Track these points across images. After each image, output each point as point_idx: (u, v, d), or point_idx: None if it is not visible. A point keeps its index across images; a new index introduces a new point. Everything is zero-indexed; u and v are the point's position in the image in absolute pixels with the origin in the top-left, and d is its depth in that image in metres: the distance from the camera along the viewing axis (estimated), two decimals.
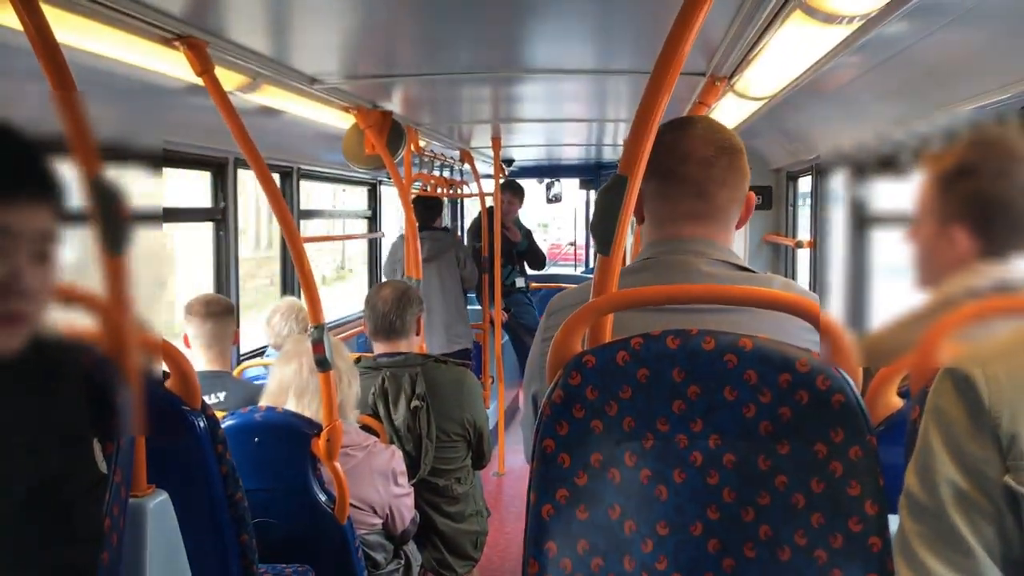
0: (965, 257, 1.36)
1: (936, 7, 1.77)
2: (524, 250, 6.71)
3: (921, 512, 1.02)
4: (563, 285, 6.89)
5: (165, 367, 1.83)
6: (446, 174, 5.98)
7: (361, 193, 6.08)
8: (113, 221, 1.28)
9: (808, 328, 1.31)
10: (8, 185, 1.07)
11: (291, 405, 2.50)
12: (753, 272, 1.51)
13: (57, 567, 1.15)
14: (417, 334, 3.12)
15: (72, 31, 1.89)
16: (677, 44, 1.30)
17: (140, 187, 1.38)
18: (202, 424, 1.81)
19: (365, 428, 2.80)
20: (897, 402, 1.52)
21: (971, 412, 0.98)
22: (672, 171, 1.34)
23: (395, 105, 3.67)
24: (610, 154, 7.08)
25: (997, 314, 1.25)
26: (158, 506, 1.69)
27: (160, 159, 1.47)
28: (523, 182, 7.00)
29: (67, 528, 1.15)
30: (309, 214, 5.10)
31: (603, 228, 1.35)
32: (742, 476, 1.27)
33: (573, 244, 11.45)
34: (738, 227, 1.56)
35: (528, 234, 6.86)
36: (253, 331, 4.14)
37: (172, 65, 2.25)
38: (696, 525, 1.27)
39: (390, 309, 3.05)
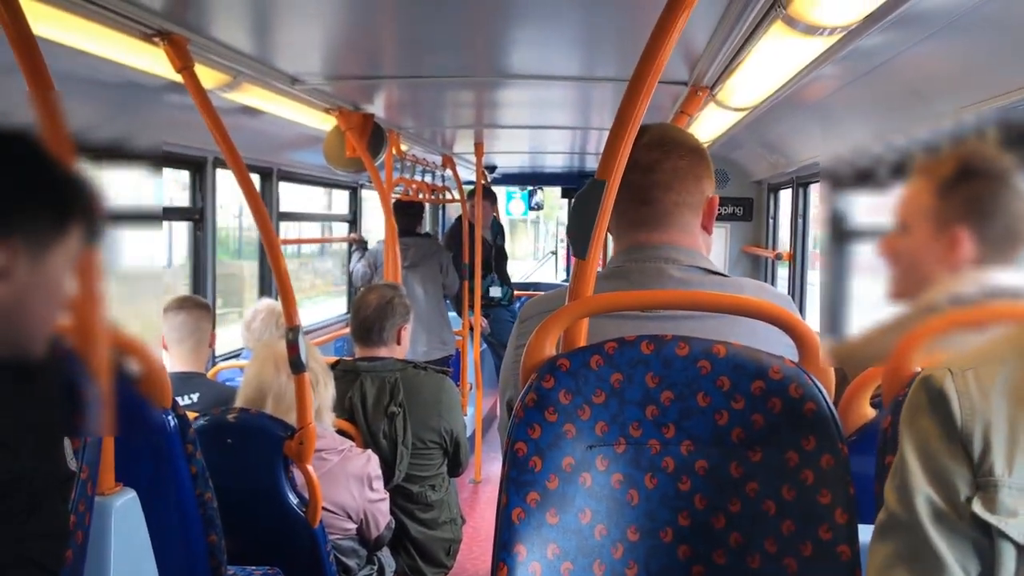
0: (965, 258, 1.35)
1: (915, 21, 1.79)
2: (502, 245, 6.83)
3: (897, 527, 1.00)
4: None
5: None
6: (428, 179, 5.96)
7: (342, 197, 6.05)
8: (86, 214, 1.27)
9: (782, 332, 1.32)
10: (58, 211, 1.16)
11: (269, 410, 2.48)
12: (725, 276, 1.51)
13: (22, 563, 1.13)
14: (399, 343, 3.11)
15: (50, 25, 1.87)
16: (656, 51, 1.31)
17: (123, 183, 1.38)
18: (172, 423, 1.79)
19: (341, 432, 2.78)
20: (869, 412, 1.53)
21: (943, 425, 0.97)
22: (622, 181, 1.35)
23: (377, 108, 3.66)
24: (593, 163, 7.07)
25: (970, 324, 1.25)
26: (125, 504, 1.67)
27: (142, 156, 1.47)
28: (505, 189, 7.05)
29: (35, 525, 1.14)
30: (288, 216, 5.07)
31: (579, 232, 1.35)
32: (714, 483, 1.27)
33: (555, 253, 11.45)
34: (707, 230, 1.56)
35: (501, 230, 6.99)
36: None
37: (152, 61, 2.23)
38: (667, 531, 1.27)
39: (372, 316, 3.05)
